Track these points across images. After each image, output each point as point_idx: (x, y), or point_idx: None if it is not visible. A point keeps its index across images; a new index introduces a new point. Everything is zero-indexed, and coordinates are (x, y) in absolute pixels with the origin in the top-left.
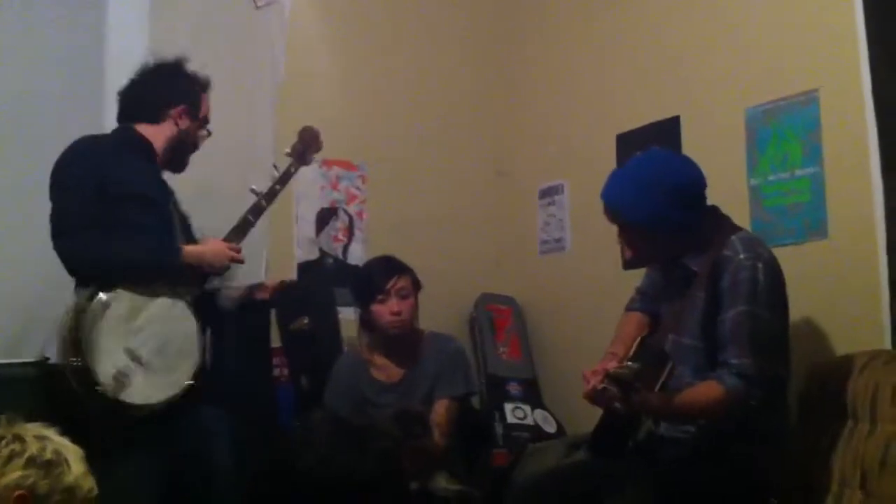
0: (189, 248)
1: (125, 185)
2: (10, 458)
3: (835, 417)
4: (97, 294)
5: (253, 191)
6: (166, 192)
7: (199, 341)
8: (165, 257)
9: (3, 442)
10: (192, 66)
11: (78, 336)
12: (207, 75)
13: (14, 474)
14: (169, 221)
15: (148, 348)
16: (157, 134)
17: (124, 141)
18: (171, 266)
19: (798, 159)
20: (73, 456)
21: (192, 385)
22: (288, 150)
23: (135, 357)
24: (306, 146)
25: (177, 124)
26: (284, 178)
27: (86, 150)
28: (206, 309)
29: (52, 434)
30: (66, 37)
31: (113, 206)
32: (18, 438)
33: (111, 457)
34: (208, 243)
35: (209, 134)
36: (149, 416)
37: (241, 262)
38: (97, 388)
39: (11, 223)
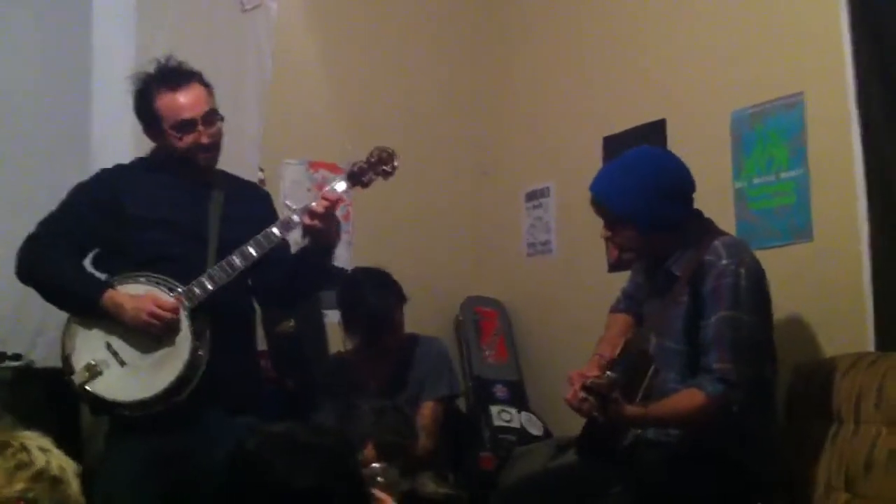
0: (114, 295)
1: (143, 209)
2: (18, 468)
3: (819, 419)
4: None
5: (287, 206)
6: (197, 215)
7: (189, 347)
8: (83, 295)
9: (10, 451)
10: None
11: (69, 322)
12: (181, 71)
13: (18, 485)
14: (197, 246)
15: (131, 346)
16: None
17: (154, 162)
18: (84, 306)
19: (783, 162)
20: (72, 472)
21: (172, 390)
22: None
23: (114, 352)
24: (370, 166)
25: (155, 143)
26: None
27: (105, 175)
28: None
29: (51, 446)
30: (51, 38)
31: (130, 229)
32: (25, 449)
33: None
34: (140, 297)
35: (208, 126)
36: (135, 415)
37: (162, 322)
38: (72, 373)
39: None
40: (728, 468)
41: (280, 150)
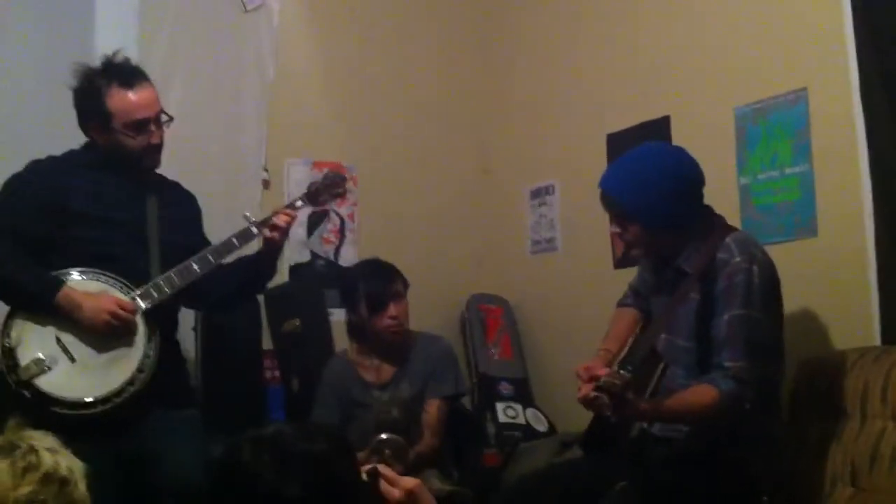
0: (69, 293)
1: (86, 206)
2: (26, 470)
3: (825, 414)
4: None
5: (246, 218)
6: (137, 215)
7: (143, 349)
8: (37, 292)
9: (19, 452)
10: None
11: (13, 314)
12: (132, 68)
13: (27, 488)
14: (138, 246)
15: (81, 344)
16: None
17: (92, 158)
18: (37, 303)
19: (787, 158)
20: (80, 472)
21: (120, 391)
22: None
23: (64, 348)
24: (324, 187)
25: (95, 141)
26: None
27: (42, 169)
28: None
29: (59, 446)
30: (54, 40)
31: (72, 226)
32: (33, 450)
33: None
34: (99, 296)
35: (158, 128)
36: (75, 415)
37: (123, 322)
38: (16, 367)
39: None
40: (732, 465)
41: (283, 150)
